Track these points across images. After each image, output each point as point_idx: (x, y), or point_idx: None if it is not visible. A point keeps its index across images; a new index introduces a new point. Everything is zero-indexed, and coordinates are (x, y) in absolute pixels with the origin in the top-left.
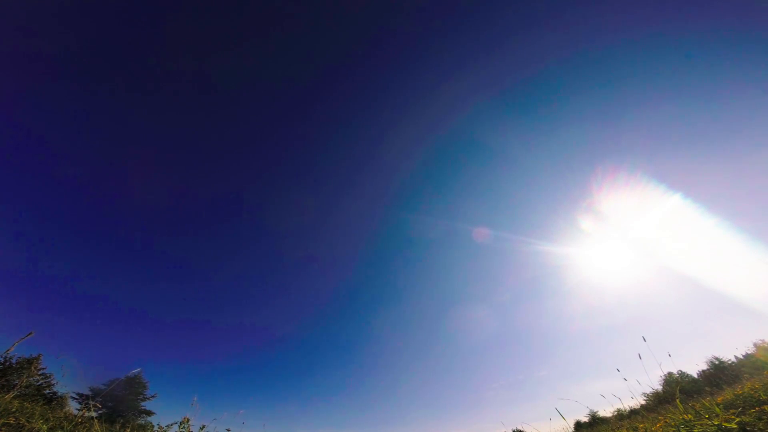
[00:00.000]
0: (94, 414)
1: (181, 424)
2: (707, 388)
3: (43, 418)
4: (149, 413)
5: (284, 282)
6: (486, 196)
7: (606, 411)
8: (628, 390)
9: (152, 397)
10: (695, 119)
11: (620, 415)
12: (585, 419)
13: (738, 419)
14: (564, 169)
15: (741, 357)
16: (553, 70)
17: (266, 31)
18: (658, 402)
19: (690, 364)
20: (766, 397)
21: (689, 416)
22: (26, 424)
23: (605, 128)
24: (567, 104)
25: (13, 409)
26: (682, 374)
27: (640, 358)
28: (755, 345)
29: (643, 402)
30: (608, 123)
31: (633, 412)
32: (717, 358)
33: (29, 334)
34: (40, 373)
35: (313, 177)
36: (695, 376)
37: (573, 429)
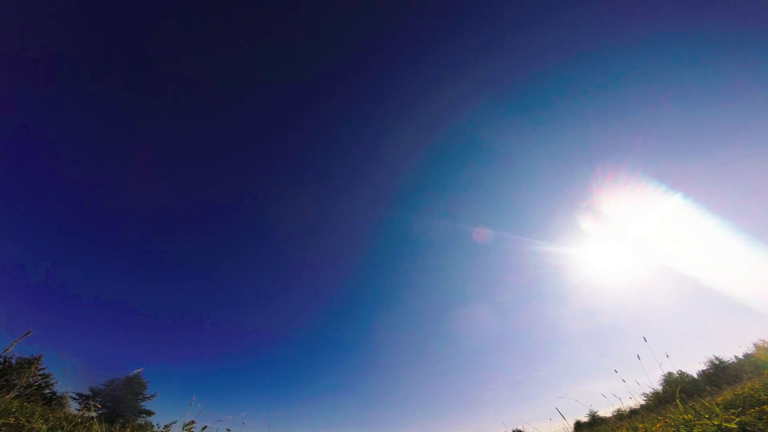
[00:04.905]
0: (93, 414)
1: (185, 426)
2: (707, 388)
3: (43, 418)
4: (149, 413)
5: (284, 282)
6: (486, 196)
7: (606, 411)
8: (628, 390)
9: (152, 397)
10: (695, 119)
11: (620, 415)
12: (585, 419)
13: (738, 419)
14: (564, 169)
15: (741, 357)
16: (554, 70)
17: (266, 31)
18: (658, 402)
19: (690, 364)
20: (766, 397)
21: (689, 416)
22: (26, 424)
23: (605, 128)
24: (567, 104)
25: (13, 409)
26: (682, 374)
27: (639, 358)
28: (755, 345)
29: (643, 402)
30: (608, 123)
31: (633, 412)
32: (717, 358)
33: (27, 333)
34: (40, 373)
35: (314, 177)
36: (695, 376)
37: (573, 429)
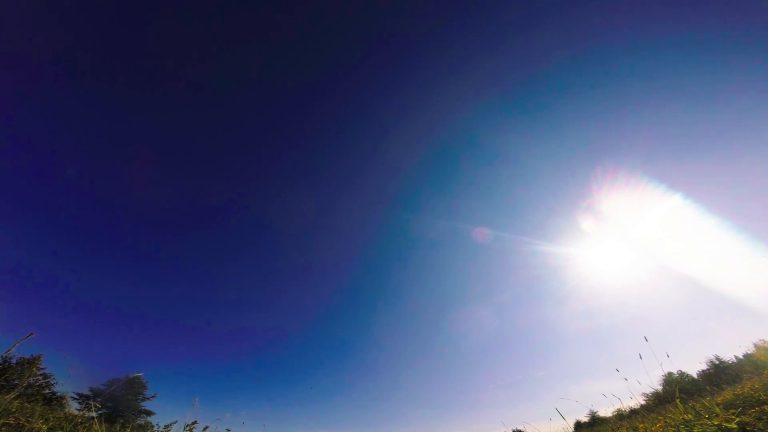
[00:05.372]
0: (94, 414)
1: (186, 426)
2: (707, 388)
3: (43, 418)
4: (149, 413)
5: (284, 282)
6: (486, 196)
7: (606, 411)
8: (628, 390)
9: (152, 397)
10: (695, 119)
11: (620, 415)
12: (585, 419)
13: (738, 419)
14: (564, 169)
15: (741, 357)
16: (554, 69)
17: (267, 31)
18: (658, 402)
19: (690, 364)
20: (766, 397)
21: (689, 416)
22: (26, 424)
23: (605, 128)
24: (567, 104)
25: (13, 409)
26: (682, 374)
27: (641, 358)
28: (755, 345)
29: (643, 402)
30: (608, 123)
31: (633, 412)
32: (717, 358)
33: (30, 334)
34: (40, 373)
35: (313, 177)
36: (695, 376)
37: (573, 429)
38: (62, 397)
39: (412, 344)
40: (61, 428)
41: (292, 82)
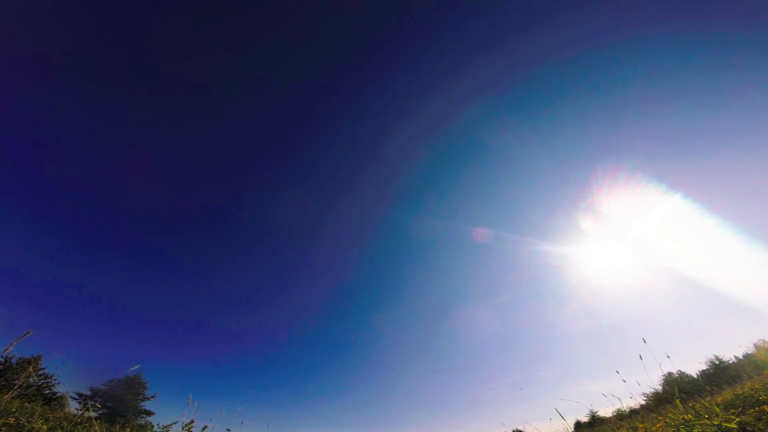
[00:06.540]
0: (93, 414)
1: (184, 426)
2: (707, 388)
3: (43, 418)
4: (149, 413)
5: (284, 282)
6: (486, 196)
7: (606, 411)
8: (627, 390)
9: (152, 397)
10: (695, 119)
11: (620, 415)
12: (585, 419)
13: (738, 419)
14: (564, 169)
15: (741, 357)
16: (554, 70)
17: (267, 31)
18: (658, 402)
19: (690, 364)
20: (766, 397)
21: (689, 416)
22: (26, 424)
23: (605, 128)
24: (567, 104)
25: (13, 409)
26: (682, 374)
27: (641, 358)
28: (755, 345)
29: (643, 402)
30: (608, 123)
31: (633, 412)
32: (717, 358)
33: (27, 333)
34: (40, 373)
35: (314, 177)
36: (695, 376)
37: (573, 429)
38: (62, 397)
39: (412, 344)
40: (61, 428)
41: (294, 82)
